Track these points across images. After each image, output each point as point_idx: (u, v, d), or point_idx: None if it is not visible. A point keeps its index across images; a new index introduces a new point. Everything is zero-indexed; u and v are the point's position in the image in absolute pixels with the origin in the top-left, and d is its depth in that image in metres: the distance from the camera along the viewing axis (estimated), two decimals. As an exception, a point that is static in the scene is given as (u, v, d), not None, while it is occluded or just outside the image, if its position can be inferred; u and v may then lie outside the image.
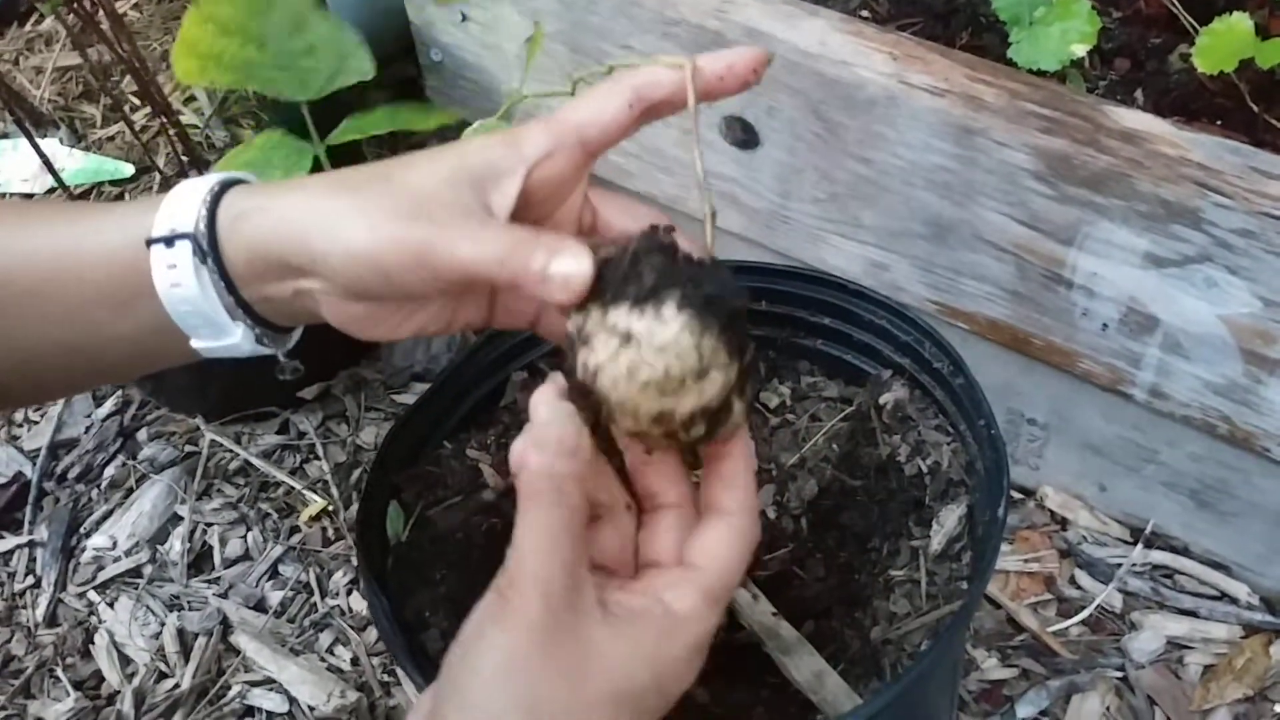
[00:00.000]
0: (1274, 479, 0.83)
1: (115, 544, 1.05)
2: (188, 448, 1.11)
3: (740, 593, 0.67)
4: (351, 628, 0.96)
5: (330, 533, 1.03)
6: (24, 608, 1.02)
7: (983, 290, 0.86)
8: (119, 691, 0.95)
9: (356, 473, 1.06)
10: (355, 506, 1.02)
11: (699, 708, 0.66)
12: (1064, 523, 0.96)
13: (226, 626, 0.98)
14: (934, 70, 0.80)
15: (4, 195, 1.05)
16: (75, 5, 0.90)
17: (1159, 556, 0.93)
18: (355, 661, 0.94)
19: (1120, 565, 0.93)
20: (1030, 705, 0.86)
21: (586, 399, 0.42)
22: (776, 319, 0.76)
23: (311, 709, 0.91)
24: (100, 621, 1.00)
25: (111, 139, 1.04)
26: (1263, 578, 0.90)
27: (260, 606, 0.99)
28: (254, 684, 0.94)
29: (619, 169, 1.03)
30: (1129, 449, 0.89)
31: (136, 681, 0.95)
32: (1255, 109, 0.83)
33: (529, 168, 0.43)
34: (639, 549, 0.45)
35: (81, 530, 1.07)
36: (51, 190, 0.99)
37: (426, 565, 0.67)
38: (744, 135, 0.91)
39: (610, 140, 0.44)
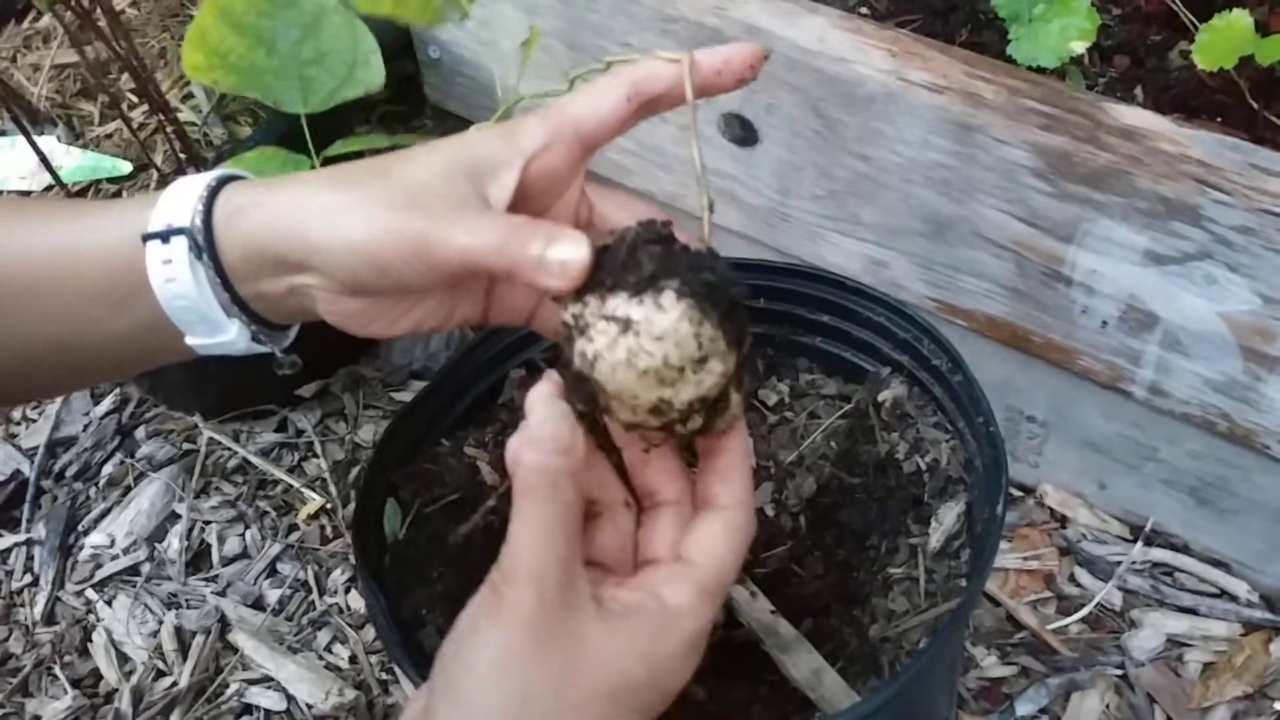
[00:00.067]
0: (1274, 476, 0.83)
1: (113, 542, 1.04)
2: (186, 446, 1.11)
3: (738, 590, 0.67)
4: (350, 626, 0.96)
5: (328, 531, 1.03)
6: (22, 606, 1.02)
7: (982, 287, 0.86)
8: (117, 690, 0.95)
9: (355, 470, 1.06)
10: (354, 504, 1.01)
11: (697, 705, 0.66)
12: (1063, 520, 0.96)
13: (224, 624, 0.97)
14: (933, 67, 0.80)
15: (2, 193, 1.05)
16: (72, 2, 0.89)
17: (1159, 554, 0.93)
18: (353, 659, 0.94)
19: (1120, 563, 0.93)
20: (1030, 703, 0.86)
21: (584, 389, 0.42)
22: (775, 316, 0.76)
23: (309, 707, 0.91)
24: (98, 620, 1.00)
25: (109, 136, 1.04)
26: (1263, 575, 0.90)
27: (258, 604, 0.99)
28: (252, 682, 0.94)
29: (618, 166, 1.03)
30: (1128, 446, 0.89)
31: (134, 680, 0.95)
32: (1255, 106, 0.83)
33: (526, 160, 0.43)
34: (638, 546, 0.45)
35: (79, 528, 1.06)
36: (49, 188, 0.99)
37: (424, 563, 0.67)
38: (743, 132, 0.91)
39: (607, 134, 0.44)
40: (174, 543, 1.03)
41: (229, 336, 0.46)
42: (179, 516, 1.05)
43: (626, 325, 0.40)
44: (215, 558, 1.02)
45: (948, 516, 0.67)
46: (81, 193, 1.00)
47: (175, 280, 0.44)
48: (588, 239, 0.41)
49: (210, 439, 1.10)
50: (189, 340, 0.46)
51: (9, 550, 1.06)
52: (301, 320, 0.48)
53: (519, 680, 0.39)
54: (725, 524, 0.43)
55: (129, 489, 1.08)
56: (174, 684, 0.94)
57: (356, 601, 0.97)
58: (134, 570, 1.03)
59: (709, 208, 0.45)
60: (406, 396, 1.11)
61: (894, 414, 0.71)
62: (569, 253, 0.40)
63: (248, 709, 0.92)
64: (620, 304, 0.40)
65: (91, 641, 0.99)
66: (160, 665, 0.96)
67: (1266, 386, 0.77)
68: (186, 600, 1.00)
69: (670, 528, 0.44)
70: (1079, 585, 0.93)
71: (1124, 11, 0.94)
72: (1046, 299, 0.83)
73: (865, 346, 0.74)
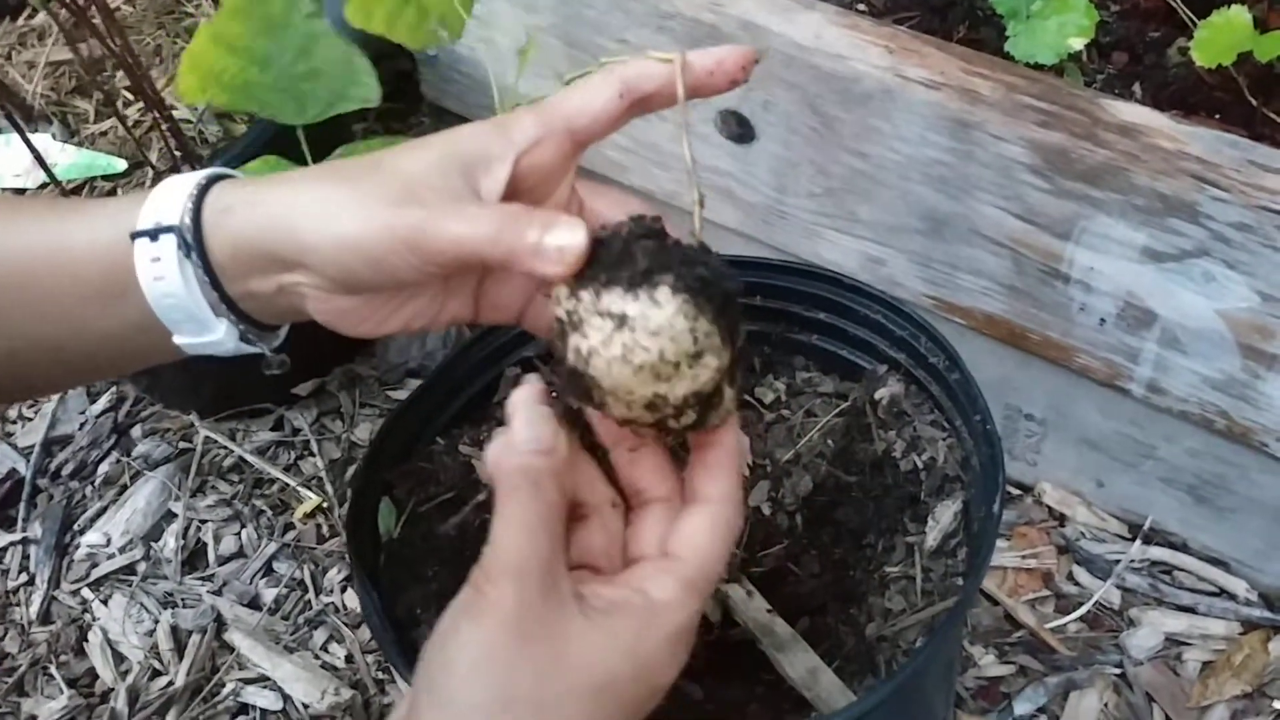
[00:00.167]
0: (1272, 474, 0.82)
1: (109, 541, 1.04)
2: (182, 444, 1.11)
3: (735, 589, 0.66)
4: (346, 625, 0.96)
5: (325, 529, 1.03)
6: (17, 605, 1.02)
7: (979, 285, 0.86)
8: (113, 689, 0.94)
9: (351, 469, 1.06)
10: (349, 503, 1.01)
11: (693, 704, 0.65)
12: (1062, 519, 0.96)
13: (220, 624, 0.97)
14: (930, 63, 0.80)
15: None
16: (67, 0, 0.89)
17: (1157, 552, 0.93)
18: (349, 659, 0.94)
19: (1118, 561, 0.92)
20: (1028, 702, 0.86)
21: (578, 385, 0.41)
22: (771, 314, 0.75)
23: (305, 706, 0.91)
24: (94, 619, 1.00)
25: (104, 134, 1.04)
26: (1261, 574, 0.89)
27: (254, 604, 0.99)
28: (248, 681, 0.93)
29: (615, 164, 1.02)
30: (1127, 444, 0.89)
31: (130, 679, 0.94)
32: (1254, 103, 0.83)
33: (518, 154, 0.43)
34: (626, 545, 0.44)
35: (75, 527, 1.06)
36: (44, 186, 0.98)
37: (418, 562, 0.67)
38: (739, 129, 0.91)
39: (599, 130, 0.44)
40: (170, 542, 1.03)
41: (217, 336, 0.46)
42: (175, 515, 1.05)
43: (622, 320, 0.39)
44: (211, 557, 1.02)
45: (945, 515, 0.67)
46: (76, 190, 1.00)
47: (163, 279, 0.44)
48: (584, 225, 0.41)
49: (206, 438, 1.10)
50: (177, 339, 0.46)
51: (4, 549, 1.06)
52: (291, 320, 0.48)
53: (501, 678, 0.38)
54: (711, 518, 0.43)
55: (125, 488, 1.08)
56: (170, 683, 0.94)
57: (353, 601, 0.97)
58: (130, 569, 1.02)
59: (700, 203, 0.44)
60: (403, 395, 1.11)
61: (891, 412, 0.71)
62: (566, 238, 0.40)
63: (244, 708, 0.92)
64: (615, 299, 0.40)
65: (87, 641, 0.98)
66: (156, 665, 0.96)
67: (1265, 384, 0.77)
68: (182, 599, 0.99)
69: (658, 525, 0.44)
70: (1077, 584, 0.92)
71: (1122, 8, 0.93)
72: (1044, 296, 0.83)
73: (862, 344, 0.73)
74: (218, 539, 1.03)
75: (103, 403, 1.15)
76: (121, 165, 1.00)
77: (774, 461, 0.72)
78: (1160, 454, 0.88)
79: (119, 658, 0.97)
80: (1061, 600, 0.92)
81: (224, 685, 0.93)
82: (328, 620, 0.97)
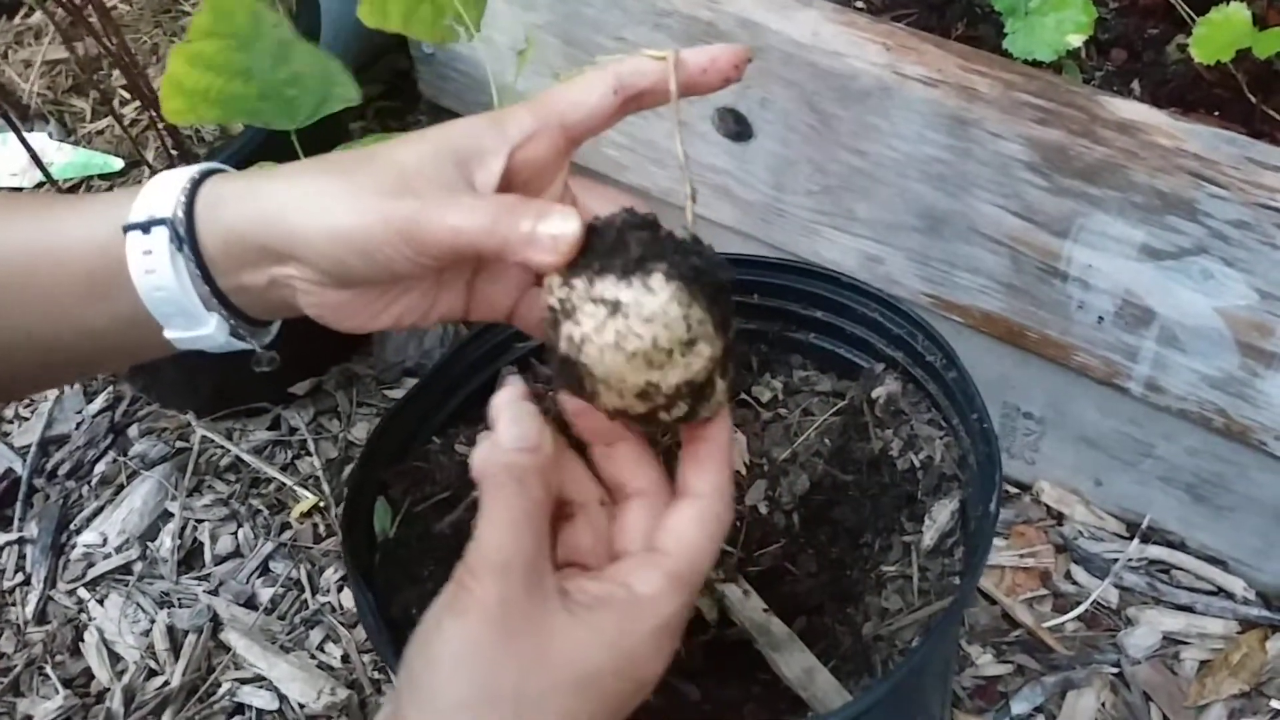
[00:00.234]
0: (1270, 473, 0.82)
1: (105, 541, 1.04)
2: (179, 444, 1.10)
3: (731, 589, 0.66)
4: (342, 625, 0.96)
5: (321, 529, 1.02)
6: (13, 605, 1.02)
7: (977, 283, 0.86)
8: (109, 689, 0.94)
9: (348, 469, 1.06)
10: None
11: (690, 704, 0.65)
12: (1060, 517, 0.96)
13: (216, 624, 0.97)
14: (928, 61, 0.80)
15: (-7, 190, 1.04)
16: (63, -2, 0.89)
17: (1155, 551, 0.92)
18: (346, 659, 0.94)
19: (1116, 560, 0.92)
20: (1025, 701, 0.86)
21: (570, 374, 0.41)
22: (768, 312, 0.75)
23: (302, 706, 0.91)
24: (90, 619, 0.99)
25: (101, 133, 1.03)
26: (1259, 573, 0.89)
27: (250, 603, 0.98)
28: (244, 681, 0.93)
29: (613, 162, 1.02)
30: (1125, 443, 0.89)
31: (126, 679, 0.94)
32: (1253, 100, 0.83)
33: (512, 148, 0.43)
34: (610, 541, 0.44)
35: (72, 527, 1.06)
36: (40, 185, 0.98)
37: (414, 562, 0.67)
38: (737, 127, 0.91)
39: (593, 126, 0.44)
40: (166, 541, 1.03)
41: (208, 330, 0.45)
42: (171, 515, 1.05)
43: (615, 307, 0.39)
44: (208, 556, 1.02)
45: (941, 514, 0.67)
46: (73, 189, 1.00)
47: (155, 272, 0.44)
48: (578, 214, 0.41)
49: (203, 437, 1.10)
50: (168, 333, 0.46)
51: (1, 549, 1.06)
52: (282, 316, 0.48)
53: (484, 674, 0.38)
54: (699, 512, 0.43)
55: (121, 487, 1.08)
56: (166, 683, 0.94)
57: (349, 600, 0.97)
58: (126, 569, 1.02)
59: (692, 196, 0.44)
60: (400, 394, 1.10)
61: (888, 410, 0.71)
62: (560, 227, 0.40)
63: (240, 708, 0.92)
64: (609, 286, 0.39)
65: (83, 641, 0.98)
66: (152, 664, 0.95)
67: (1263, 382, 0.77)
68: (179, 599, 0.99)
69: (641, 519, 0.44)
70: (1075, 583, 0.92)
71: (1121, 5, 0.93)
72: (1042, 294, 0.83)
73: (859, 342, 0.73)
74: (214, 538, 1.03)
75: (99, 402, 1.15)
76: (118, 164, 1.00)
77: (771, 460, 0.72)
78: (1159, 452, 0.87)
79: (115, 657, 0.97)
80: (1059, 599, 0.91)
81: (220, 685, 0.93)
82: (324, 620, 0.96)
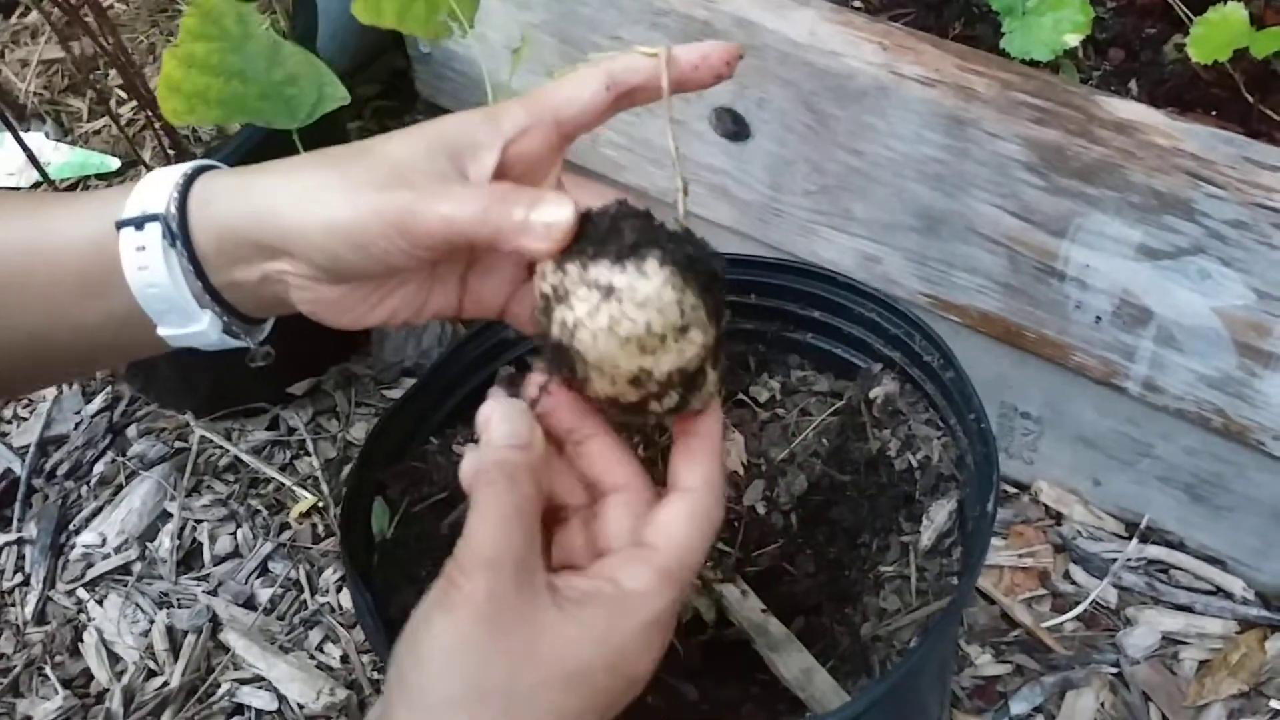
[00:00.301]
0: (1269, 473, 0.82)
1: (104, 541, 1.04)
2: (177, 444, 1.10)
3: (730, 589, 0.66)
4: (341, 625, 0.96)
5: (320, 529, 1.02)
6: (13, 605, 1.01)
7: (975, 283, 0.86)
8: (108, 690, 0.94)
9: (347, 469, 1.05)
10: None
11: (688, 705, 0.65)
12: (1058, 517, 0.96)
13: (216, 624, 0.97)
14: (925, 60, 0.80)
15: (-10, 190, 1.04)
16: (59, -2, 0.89)
17: (1154, 551, 0.92)
18: (345, 659, 0.94)
19: (1115, 560, 0.92)
20: (1024, 701, 0.86)
21: (562, 360, 0.41)
22: (766, 312, 0.75)
23: (301, 707, 0.91)
24: (89, 619, 0.99)
25: (98, 133, 1.03)
26: (1258, 572, 0.89)
27: (250, 604, 0.98)
28: (243, 682, 0.93)
29: (610, 162, 1.02)
30: (1123, 443, 0.89)
31: (125, 679, 0.94)
32: (1250, 99, 0.83)
33: (506, 142, 0.43)
34: (594, 539, 0.44)
35: (71, 527, 1.06)
36: (37, 185, 0.98)
37: (412, 562, 0.67)
38: (734, 127, 0.91)
39: (586, 122, 0.44)
40: (165, 541, 1.03)
41: (200, 327, 0.45)
42: (170, 515, 1.05)
43: (609, 291, 0.39)
44: (207, 557, 1.02)
45: (939, 514, 0.67)
46: (70, 189, 0.99)
47: (148, 268, 0.44)
48: (571, 201, 0.41)
49: (202, 437, 1.09)
50: (161, 331, 0.46)
51: (0, 549, 1.06)
52: (275, 313, 0.48)
53: (473, 669, 0.38)
54: (689, 507, 0.43)
55: (120, 487, 1.08)
56: (165, 684, 0.94)
57: (348, 601, 0.97)
58: (125, 569, 1.02)
59: (683, 189, 0.44)
60: (398, 394, 1.10)
61: (885, 411, 0.71)
62: (553, 214, 0.40)
63: (239, 709, 0.92)
64: (603, 271, 0.39)
65: (82, 641, 0.98)
66: (151, 665, 0.95)
67: (1261, 382, 0.77)
68: (178, 599, 0.99)
69: (621, 515, 0.43)
70: (1074, 583, 0.92)
71: (1118, 4, 0.93)
72: (1040, 294, 0.83)
73: (856, 342, 0.73)
74: (213, 539, 1.03)
75: (98, 402, 1.15)
76: (115, 164, 1.00)
77: (769, 460, 0.72)
78: (1157, 452, 0.87)
79: (114, 658, 0.97)
80: (1058, 599, 0.91)
81: (219, 685, 0.93)
82: (323, 620, 0.96)
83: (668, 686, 0.65)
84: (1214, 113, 0.84)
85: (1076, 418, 0.90)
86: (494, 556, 0.39)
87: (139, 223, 0.44)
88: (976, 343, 0.89)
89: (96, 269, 0.45)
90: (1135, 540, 0.92)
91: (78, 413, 1.15)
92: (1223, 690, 0.84)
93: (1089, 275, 0.79)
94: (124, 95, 1.04)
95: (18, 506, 1.08)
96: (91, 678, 0.96)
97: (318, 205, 0.42)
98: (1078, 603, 0.90)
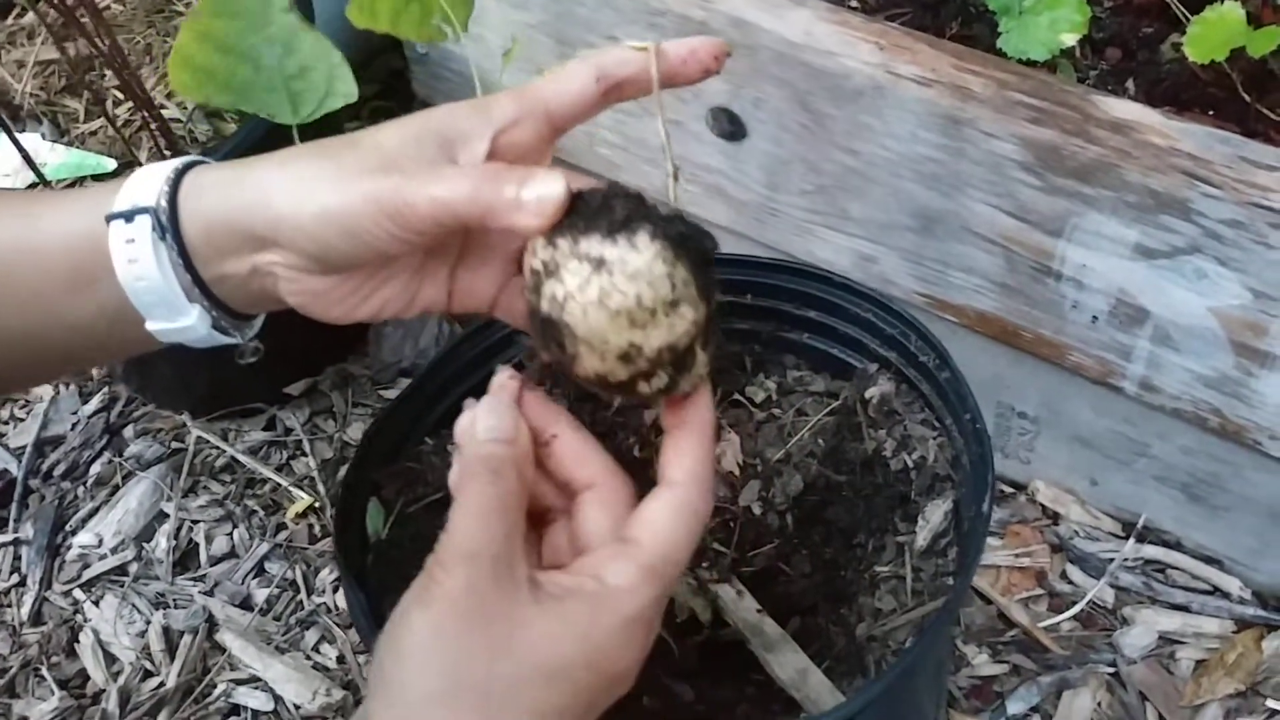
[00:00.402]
0: (1266, 473, 0.82)
1: (101, 542, 1.04)
2: (174, 444, 1.10)
3: (725, 589, 0.66)
4: (337, 625, 0.96)
5: (317, 530, 1.02)
6: (9, 606, 1.01)
7: (971, 282, 0.86)
8: (104, 690, 0.94)
9: (343, 469, 1.05)
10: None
11: (684, 705, 0.65)
12: (1055, 517, 0.96)
13: (212, 624, 0.97)
14: (921, 60, 0.80)
15: (-14, 190, 1.04)
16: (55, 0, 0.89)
17: (1151, 551, 0.92)
18: (341, 659, 0.94)
19: (1112, 560, 0.92)
20: (1021, 701, 0.86)
21: (551, 335, 0.41)
22: (762, 313, 0.75)
23: (297, 707, 0.91)
24: (85, 620, 0.99)
25: (94, 134, 1.03)
26: (1255, 572, 0.89)
27: (246, 604, 0.98)
28: (239, 682, 0.93)
29: (606, 161, 1.02)
30: (1120, 442, 0.89)
31: (121, 680, 0.94)
32: (1247, 99, 0.83)
33: (496, 132, 0.43)
34: (573, 538, 0.44)
35: (67, 528, 1.06)
36: (33, 186, 0.98)
37: (406, 563, 0.67)
38: (731, 127, 0.91)
39: (576, 115, 0.44)
40: (162, 542, 1.03)
41: (189, 321, 0.45)
42: (167, 516, 1.05)
43: (600, 264, 0.39)
44: (203, 557, 1.02)
45: (935, 514, 0.67)
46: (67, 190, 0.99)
47: (137, 261, 0.44)
48: (563, 176, 0.41)
49: (198, 438, 1.09)
50: (149, 325, 0.46)
51: (-4, 550, 1.06)
52: (264, 308, 0.48)
53: (450, 664, 0.38)
54: (674, 501, 0.42)
55: (117, 488, 1.07)
56: (161, 684, 0.94)
57: (344, 601, 0.97)
58: (122, 570, 1.02)
59: (674, 175, 0.45)
60: (395, 394, 1.10)
61: (881, 411, 0.71)
62: (545, 188, 0.40)
63: (235, 709, 0.92)
64: (594, 244, 0.39)
65: (79, 642, 0.98)
66: (148, 665, 0.95)
67: (1258, 382, 0.77)
68: (174, 600, 0.99)
69: (596, 511, 0.43)
70: (1071, 582, 0.92)
71: (1115, 4, 0.93)
72: (1036, 294, 0.83)
73: (852, 342, 0.73)
74: (209, 539, 1.03)
75: (95, 403, 1.15)
76: (111, 165, 1.00)
77: (764, 461, 0.72)
78: (1153, 452, 0.87)
79: (110, 659, 0.97)
80: (1055, 599, 0.91)
81: (215, 686, 0.93)
82: (319, 621, 0.96)
83: (663, 687, 0.65)
84: (1211, 112, 0.84)
85: (1073, 417, 0.90)
86: (473, 550, 0.39)
87: (129, 215, 0.44)
88: (973, 342, 0.89)
89: (87, 263, 0.45)
90: (1132, 540, 0.92)
91: (74, 413, 1.15)
92: (1219, 690, 0.84)
93: (1085, 275, 0.79)
94: (120, 96, 1.04)
95: (14, 507, 1.08)
96: (88, 678, 0.96)
97: (310, 193, 0.42)
98: (1074, 602, 0.90)
